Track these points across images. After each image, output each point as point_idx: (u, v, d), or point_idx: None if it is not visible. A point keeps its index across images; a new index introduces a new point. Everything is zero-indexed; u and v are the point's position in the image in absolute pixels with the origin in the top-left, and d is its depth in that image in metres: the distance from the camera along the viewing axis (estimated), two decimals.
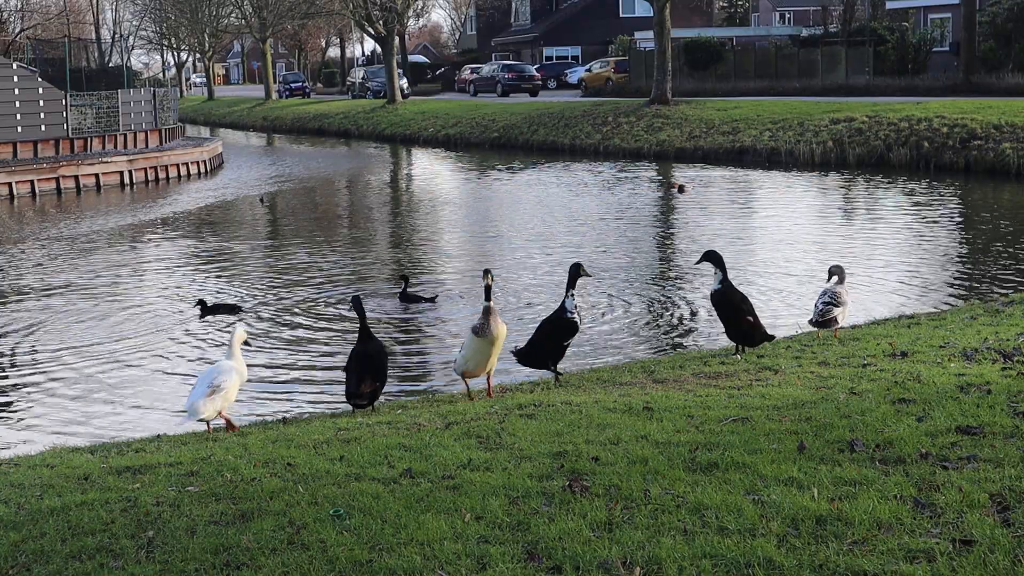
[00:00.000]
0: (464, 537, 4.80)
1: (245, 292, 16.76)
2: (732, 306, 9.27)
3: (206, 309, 14.94)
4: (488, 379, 8.44)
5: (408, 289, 15.45)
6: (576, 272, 8.55)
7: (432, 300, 15.30)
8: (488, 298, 8.18)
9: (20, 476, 6.48)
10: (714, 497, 5.05)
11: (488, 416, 7.16)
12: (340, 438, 6.80)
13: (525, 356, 8.72)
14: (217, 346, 13.24)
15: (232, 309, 15.14)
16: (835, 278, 10.01)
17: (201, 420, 7.61)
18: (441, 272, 18.41)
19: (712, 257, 9.36)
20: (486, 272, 8.27)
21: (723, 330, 9.80)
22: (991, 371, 7.48)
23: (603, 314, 14.42)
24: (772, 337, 9.59)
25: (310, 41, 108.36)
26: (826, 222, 23.10)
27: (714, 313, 9.96)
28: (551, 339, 8.56)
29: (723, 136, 37.77)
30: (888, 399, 6.67)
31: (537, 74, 64.98)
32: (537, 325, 9.14)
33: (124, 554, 4.91)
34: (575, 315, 8.52)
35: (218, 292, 16.73)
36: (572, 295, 8.55)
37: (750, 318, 9.26)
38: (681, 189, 28.26)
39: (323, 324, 14.40)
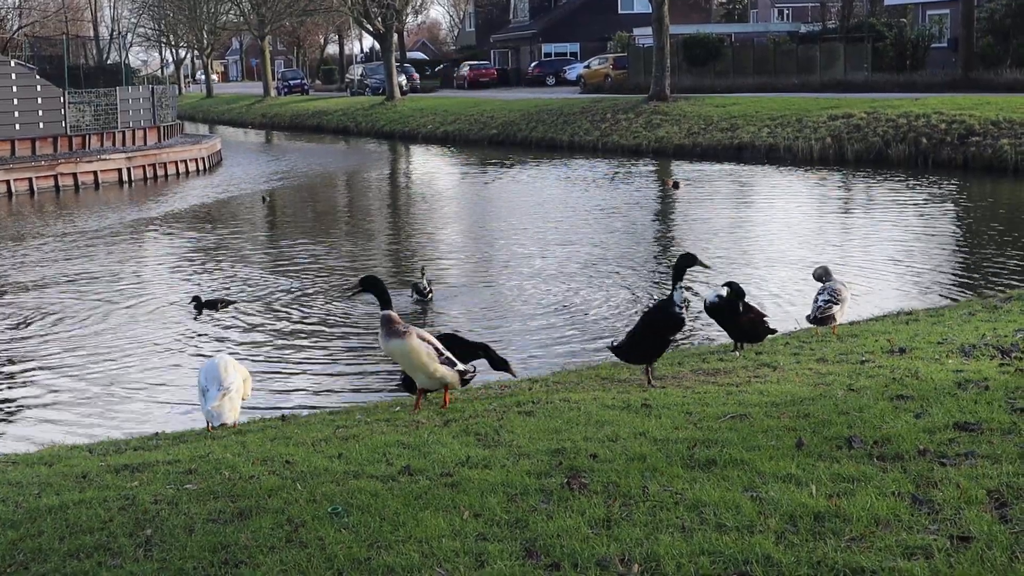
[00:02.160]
0: (462, 534, 4.80)
1: (244, 289, 16.75)
2: (729, 312, 9.27)
3: (201, 305, 15.01)
4: (445, 394, 7.61)
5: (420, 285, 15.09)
6: (688, 263, 7.92)
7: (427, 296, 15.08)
8: (385, 306, 7.34)
9: (18, 474, 6.48)
10: (712, 494, 5.05)
11: (487, 413, 7.16)
12: (339, 436, 6.80)
13: (624, 351, 8.09)
14: (208, 343, 13.25)
15: (227, 304, 15.21)
16: (824, 281, 9.90)
17: (227, 423, 7.49)
18: (440, 268, 18.41)
19: (735, 288, 9.22)
20: (360, 282, 7.55)
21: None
22: (989, 367, 7.48)
23: (601, 311, 14.43)
24: (774, 331, 9.60)
25: (308, 38, 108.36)
26: (825, 218, 23.10)
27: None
28: (656, 334, 7.96)
29: (722, 133, 37.76)
30: (886, 396, 6.67)
31: (416, 75, 76.53)
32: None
33: (122, 552, 4.91)
34: (683, 309, 7.89)
35: (216, 289, 16.72)
36: (680, 288, 7.94)
37: (750, 315, 9.27)
38: (676, 185, 28.28)
39: (321, 320, 14.40)
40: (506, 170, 35.79)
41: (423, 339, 7.30)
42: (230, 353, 11.51)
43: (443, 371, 7.35)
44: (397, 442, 6.41)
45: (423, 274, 15.44)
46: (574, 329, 13.50)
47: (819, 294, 9.80)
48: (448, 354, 7.38)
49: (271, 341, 13.46)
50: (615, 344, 8.10)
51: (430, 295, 15.00)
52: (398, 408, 7.96)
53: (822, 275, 9.93)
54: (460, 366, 7.41)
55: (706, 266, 8.34)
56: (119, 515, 5.38)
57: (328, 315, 14.75)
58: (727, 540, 4.55)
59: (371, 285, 7.48)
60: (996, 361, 7.76)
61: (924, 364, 7.80)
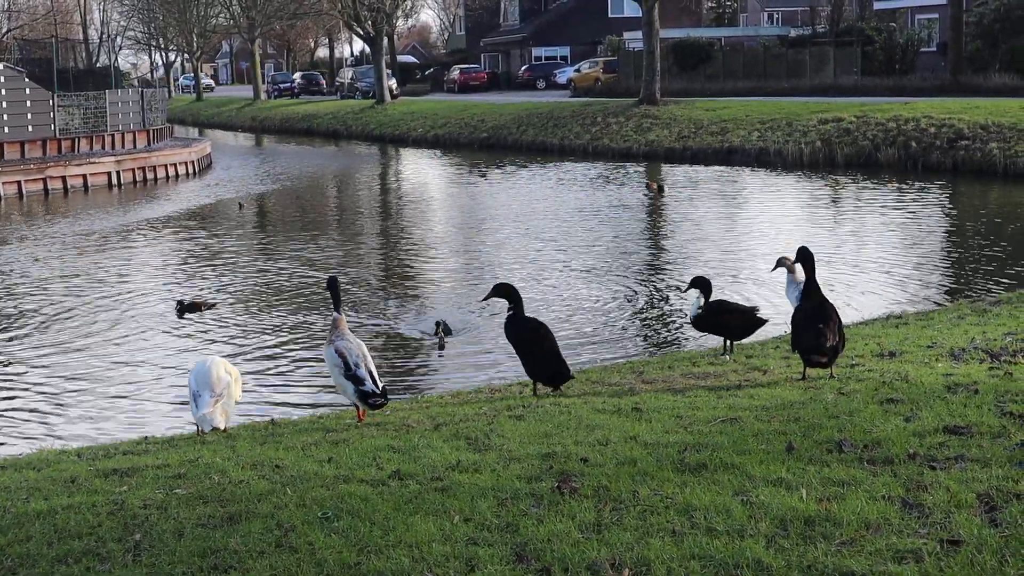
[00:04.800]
0: (453, 539, 4.79)
1: (232, 292, 16.72)
2: (716, 319, 9.32)
3: (183, 308, 15.06)
4: (359, 410, 7.60)
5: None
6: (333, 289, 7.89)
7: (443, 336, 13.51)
8: (335, 308, 7.64)
9: (6, 479, 6.45)
10: (703, 498, 5.05)
11: (477, 417, 7.15)
12: (329, 440, 6.79)
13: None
14: (195, 346, 13.21)
15: (210, 307, 15.29)
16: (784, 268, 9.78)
17: (219, 428, 7.42)
18: (429, 271, 18.41)
19: (700, 283, 9.30)
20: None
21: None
22: (978, 371, 7.49)
23: (593, 314, 14.42)
24: (765, 321, 9.63)
25: (299, 41, 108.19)
26: (814, 222, 23.13)
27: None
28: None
29: (712, 136, 37.81)
30: (876, 399, 6.68)
31: (323, 81, 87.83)
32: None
33: (111, 557, 4.89)
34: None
35: (202, 292, 16.68)
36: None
37: (736, 316, 9.32)
38: (660, 189, 28.31)
39: (310, 324, 14.37)
40: (496, 173, 35.79)
41: (339, 352, 7.36)
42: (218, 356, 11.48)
43: (344, 385, 7.40)
44: (387, 446, 6.40)
45: (441, 329, 13.51)
46: (563, 333, 13.48)
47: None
48: (361, 372, 7.31)
49: (259, 344, 13.42)
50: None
51: (441, 336, 13.34)
52: (388, 412, 7.95)
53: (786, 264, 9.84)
54: (368, 387, 7.30)
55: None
56: (108, 520, 5.35)
57: (315, 318, 14.72)
58: (718, 544, 4.55)
59: (328, 287, 7.82)
60: (986, 364, 7.77)
61: (914, 368, 7.81)
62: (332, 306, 7.72)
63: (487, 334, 13.46)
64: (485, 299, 8.78)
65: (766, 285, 15.87)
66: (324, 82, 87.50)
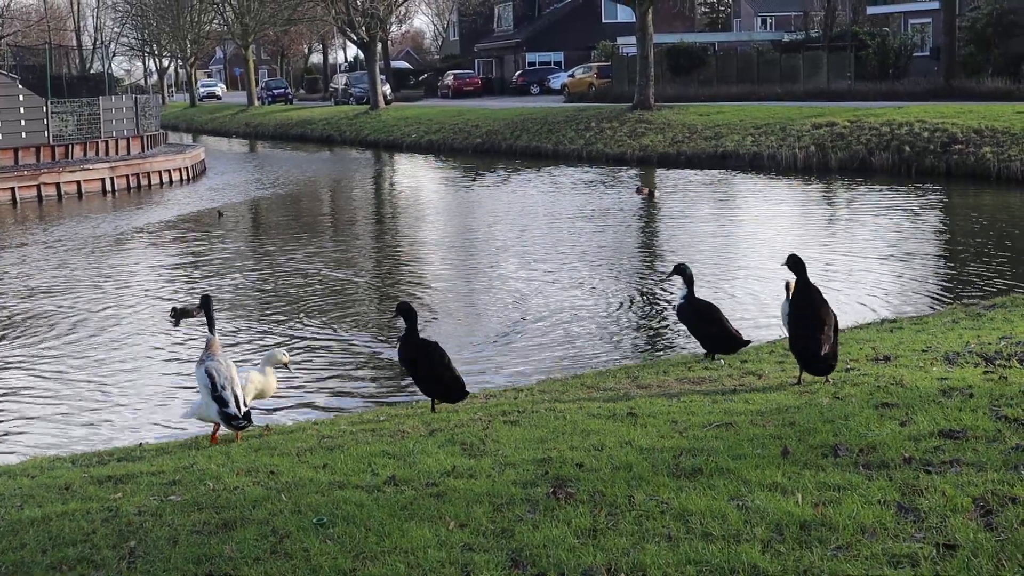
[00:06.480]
0: (448, 545, 4.79)
1: (225, 298, 16.69)
2: (698, 316, 9.28)
3: (178, 314, 15.08)
4: (215, 429, 7.50)
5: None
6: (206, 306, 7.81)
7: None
8: (209, 330, 7.60)
9: (0, 486, 6.44)
10: (698, 503, 5.05)
11: (472, 423, 7.15)
12: (323, 446, 6.78)
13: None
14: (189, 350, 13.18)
15: (201, 310, 15.34)
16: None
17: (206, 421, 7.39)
18: (423, 277, 18.40)
19: (681, 271, 9.32)
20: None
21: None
22: (973, 375, 7.49)
23: (587, 319, 14.43)
24: (748, 342, 9.58)
25: (292, 47, 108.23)
26: (808, 227, 23.16)
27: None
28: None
29: (706, 141, 37.85)
30: (871, 403, 6.68)
31: (289, 90, 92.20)
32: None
33: (106, 564, 4.88)
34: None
35: (197, 297, 16.65)
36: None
37: (713, 328, 9.24)
38: (651, 194, 28.30)
39: (305, 328, 14.35)
40: (489, 179, 35.80)
41: (208, 373, 7.32)
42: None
43: (208, 405, 7.29)
44: (382, 452, 6.40)
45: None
46: (559, 338, 13.48)
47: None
48: (226, 395, 7.25)
49: (256, 347, 13.39)
50: None
51: None
52: (383, 418, 7.94)
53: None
54: (231, 409, 7.23)
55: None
56: (102, 527, 5.34)
57: (311, 321, 14.70)
58: (713, 549, 4.54)
59: (201, 307, 7.80)
60: (980, 368, 7.78)
61: (909, 372, 7.81)
62: (207, 327, 7.64)
63: (482, 339, 13.46)
64: (392, 319, 8.66)
65: (760, 286, 15.90)
66: (288, 90, 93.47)
